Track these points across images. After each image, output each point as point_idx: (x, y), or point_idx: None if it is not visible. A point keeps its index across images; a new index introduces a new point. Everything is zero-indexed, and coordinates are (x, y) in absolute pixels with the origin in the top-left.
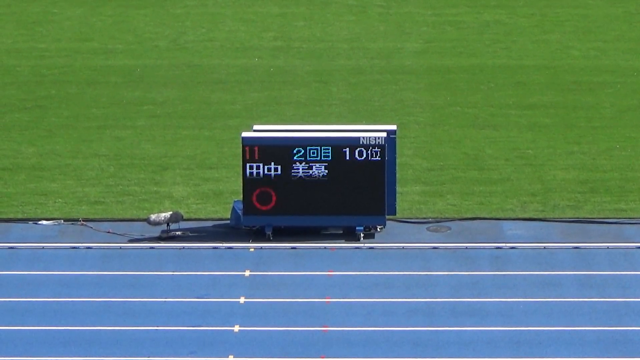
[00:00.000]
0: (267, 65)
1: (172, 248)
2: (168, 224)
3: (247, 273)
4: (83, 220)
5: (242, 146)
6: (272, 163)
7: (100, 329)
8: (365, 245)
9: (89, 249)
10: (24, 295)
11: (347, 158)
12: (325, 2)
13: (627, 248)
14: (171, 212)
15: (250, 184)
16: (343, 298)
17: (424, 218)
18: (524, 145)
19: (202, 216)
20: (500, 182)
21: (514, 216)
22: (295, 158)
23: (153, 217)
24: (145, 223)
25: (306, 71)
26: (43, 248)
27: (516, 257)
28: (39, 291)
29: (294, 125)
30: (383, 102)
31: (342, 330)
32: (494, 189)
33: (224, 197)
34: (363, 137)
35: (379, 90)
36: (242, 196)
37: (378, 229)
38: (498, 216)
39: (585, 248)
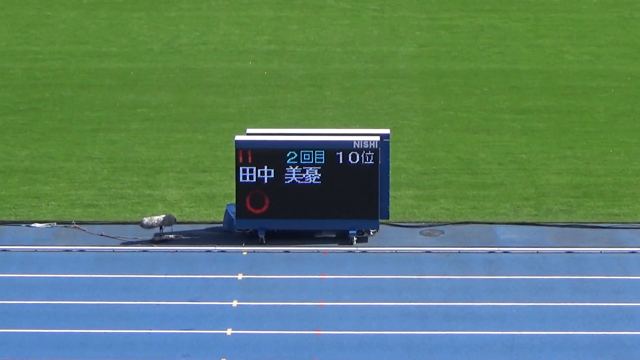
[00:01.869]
0: (261, 69)
1: (165, 251)
2: (161, 227)
3: (240, 276)
4: (76, 223)
5: (236, 150)
6: (266, 167)
7: (93, 332)
8: (358, 249)
9: (82, 252)
10: (17, 297)
11: (341, 162)
12: (319, 6)
13: (620, 252)
14: (164, 215)
15: (243, 187)
16: (336, 302)
17: (417, 222)
18: (517, 149)
19: (195, 219)
20: (494, 186)
21: (507, 220)
22: (288, 162)
23: (146, 220)
24: (138, 226)
25: (300, 75)
26: (36, 251)
27: (509, 261)
28: (31, 294)
29: (288, 129)
30: (377, 106)
31: (335, 334)
32: (488, 194)
33: (217, 200)
34: (356, 141)
35: (372, 94)
36: (235, 200)
37: (371, 233)
38: (491, 220)
39: (578, 252)
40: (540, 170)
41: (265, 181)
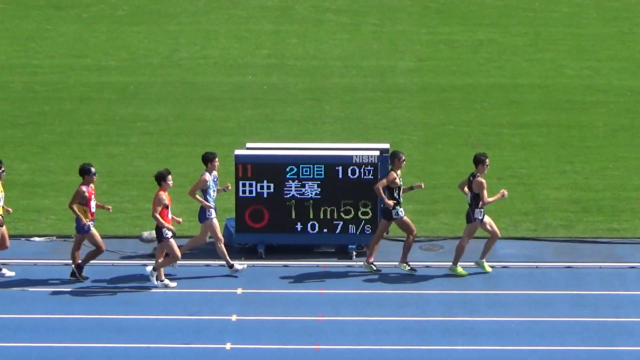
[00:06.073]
0: (261, 83)
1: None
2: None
3: (239, 291)
4: None
5: (235, 164)
6: (265, 181)
7: (92, 346)
8: (358, 263)
9: None
10: (16, 311)
11: (340, 176)
12: (318, 20)
13: (620, 268)
14: None
15: (242, 201)
16: (335, 316)
17: (417, 237)
18: (516, 164)
19: (194, 233)
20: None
21: (506, 235)
22: (288, 176)
23: (146, 234)
24: (137, 240)
25: (299, 89)
26: (35, 265)
27: (508, 276)
28: (31, 308)
29: (287, 143)
30: (376, 121)
31: (334, 348)
32: (487, 208)
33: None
34: (356, 156)
35: (372, 108)
36: (234, 214)
37: None
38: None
39: (577, 267)
40: (540, 185)
41: (265, 195)
